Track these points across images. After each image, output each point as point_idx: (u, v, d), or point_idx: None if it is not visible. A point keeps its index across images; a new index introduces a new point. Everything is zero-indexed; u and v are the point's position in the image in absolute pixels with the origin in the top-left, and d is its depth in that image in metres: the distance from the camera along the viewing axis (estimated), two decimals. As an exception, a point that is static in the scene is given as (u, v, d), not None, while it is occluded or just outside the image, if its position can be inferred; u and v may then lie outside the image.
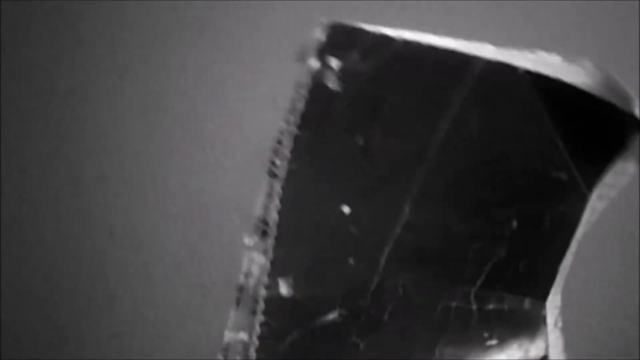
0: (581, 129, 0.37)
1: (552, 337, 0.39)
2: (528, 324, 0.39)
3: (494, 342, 0.38)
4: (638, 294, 0.75)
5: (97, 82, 0.81)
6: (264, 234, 0.36)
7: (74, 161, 0.80)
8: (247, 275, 0.36)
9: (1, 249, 0.78)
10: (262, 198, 0.35)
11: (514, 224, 0.37)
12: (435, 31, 0.37)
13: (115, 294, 0.79)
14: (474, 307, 0.38)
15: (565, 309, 0.41)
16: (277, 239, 0.35)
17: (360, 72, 0.35)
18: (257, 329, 0.35)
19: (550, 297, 0.39)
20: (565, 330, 0.38)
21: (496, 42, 0.38)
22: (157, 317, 0.78)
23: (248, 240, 0.35)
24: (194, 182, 0.79)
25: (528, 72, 0.36)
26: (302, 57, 0.35)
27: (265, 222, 0.35)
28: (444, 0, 0.81)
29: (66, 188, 0.80)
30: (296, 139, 0.35)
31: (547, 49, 0.37)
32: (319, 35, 0.34)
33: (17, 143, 0.81)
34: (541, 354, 0.38)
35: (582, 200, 0.38)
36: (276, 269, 0.35)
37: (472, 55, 0.36)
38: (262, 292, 0.35)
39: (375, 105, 0.36)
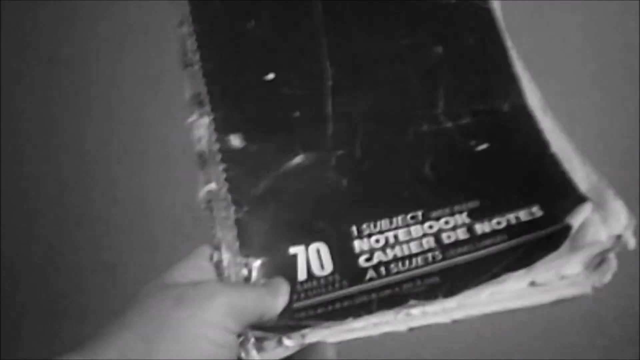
0: None
1: (546, 123, 0.40)
2: (514, 122, 0.40)
3: (483, 146, 0.39)
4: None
5: (97, 49, 0.81)
6: (200, 103, 0.40)
7: (76, 129, 0.80)
8: (200, 139, 0.39)
9: (4, 219, 0.78)
10: (187, 81, 0.41)
11: (439, 48, 0.42)
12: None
13: (119, 261, 0.78)
14: (449, 124, 0.40)
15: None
16: (211, 102, 0.40)
17: None
18: (222, 179, 0.38)
19: (529, 96, 0.41)
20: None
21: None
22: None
23: (190, 117, 0.40)
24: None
25: None
26: None
27: (197, 95, 0.40)
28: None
29: (68, 156, 0.79)
30: (197, 34, 0.41)
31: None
32: None
33: (19, 112, 0.80)
34: (540, 140, 0.39)
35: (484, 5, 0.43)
36: (222, 127, 0.39)
37: None
38: (216, 146, 0.39)
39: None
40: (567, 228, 0.35)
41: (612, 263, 0.35)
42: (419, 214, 0.38)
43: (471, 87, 0.42)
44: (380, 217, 0.38)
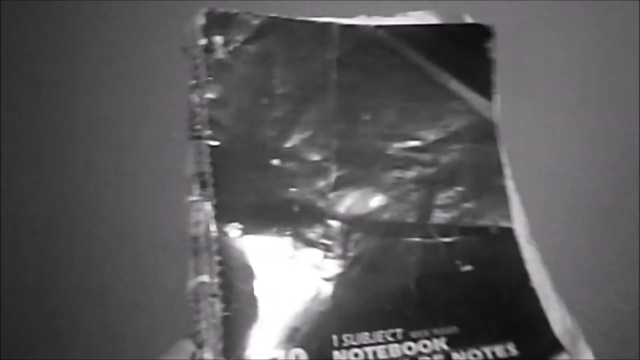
0: (451, 57, 0.43)
1: (528, 252, 0.40)
2: (499, 246, 0.40)
3: (468, 267, 0.40)
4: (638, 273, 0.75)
5: (86, 70, 0.81)
6: (203, 184, 0.38)
7: (64, 150, 0.79)
8: (197, 224, 0.38)
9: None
10: (192, 157, 0.39)
11: (444, 157, 0.42)
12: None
13: (108, 282, 0.78)
14: (438, 239, 0.40)
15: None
16: (215, 187, 0.38)
17: (241, 43, 0.41)
18: (215, 273, 0.37)
19: (516, 221, 0.41)
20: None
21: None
22: (151, 305, 0.77)
23: (191, 196, 0.38)
24: (185, 168, 0.78)
25: (379, 27, 0.43)
26: (189, 40, 0.41)
27: (201, 175, 0.38)
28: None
29: (56, 177, 0.79)
30: (210, 103, 0.39)
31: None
32: (200, 20, 0.40)
33: (7, 133, 0.80)
34: (521, 271, 0.39)
35: (487, 117, 0.43)
36: (223, 215, 0.38)
37: (327, 22, 0.43)
38: (214, 235, 0.37)
39: (266, 65, 0.41)
40: None
41: None
42: (399, 332, 0.38)
43: (463, 203, 0.41)
44: (361, 330, 0.38)
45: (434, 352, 0.37)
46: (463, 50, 0.45)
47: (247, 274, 0.38)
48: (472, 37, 0.45)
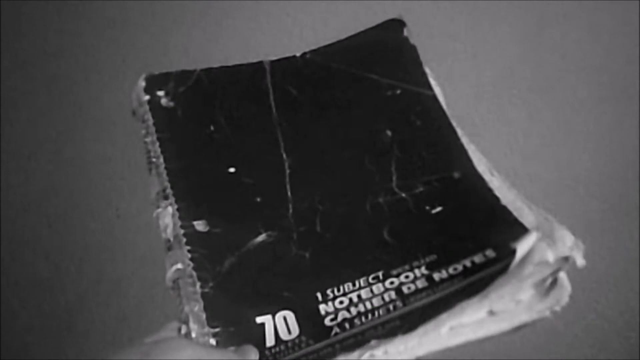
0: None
1: (495, 183, 0.43)
2: (465, 185, 0.43)
3: (438, 208, 0.42)
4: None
5: (100, 65, 0.82)
6: (165, 197, 0.44)
7: (80, 145, 0.81)
8: (165, 228, 0.43)
9: (8, 233, 0.79)
10: (154, 180, 0.46)
11: (388, 132, 0.46)
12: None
13: (122, 276, 0.80)
14: (404, 194, 0.43)
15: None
16: (174, 195, 0.44)
17: (181, 92, 0.49)
18: (187, 259, 0.41)
19: (477, 163, 0.44)
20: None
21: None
22: (165, 297, 0.78)
23: (156, 208, 0.44)
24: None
25: (304, 53, 0.51)
26: (136, 100, 0.49)
27: (163, 190, 0.44)
28: None
29: (72, 171, 0.81)
30: (160, 141, 0.46)
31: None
32: (142, 83, 0.49)
33: (23, 127, 0.82)
34: (490, 198, 0.41)
35: (424, 76, 0.48)
36: (186, 215, 0.43)
37: (258, 61, 0.50)
38: (181, 232, 0.42)
39: (208, 101, 0.49)
40: (513, 253, 0.37)
41: (565, 284, 0.36)
42: (380, 274, 0.40)
43: (421, 162, 0.45)
44: (344, 282, 0.40)
45: (415, 278, 0.39)
46: (383, 46, 0.51)
47: (219, 256, 0.41)
48: (388, 33, 0.51)
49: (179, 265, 0.40)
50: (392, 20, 0.52)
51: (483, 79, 0.78)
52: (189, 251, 0.41)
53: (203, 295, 0.39)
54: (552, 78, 0.77)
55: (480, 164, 0.44)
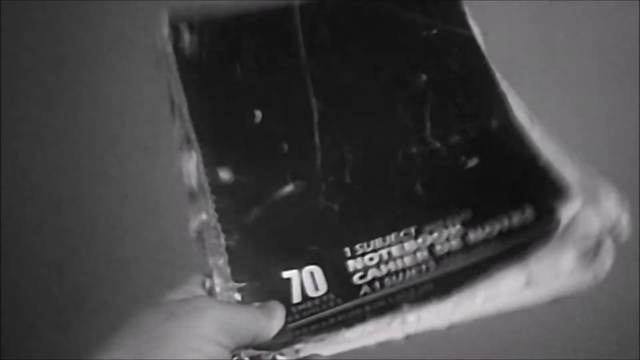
0: None
1: (536, 133, 0.41)
2: (503, 136, 0.41)
3: (474, 161, 0.40)
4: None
5: (108, 47, 0.81)
6: (188, 142, 0.41)
7: (88, 126, 0.80)
8: (189, 175, 0.40)
9: (16, 214, 0.79)
10: (177, 125, 0.42)
11: (423, 77, 0.43)
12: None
13: (131, 257, 0.79)
14: (437, 144, 0.41)
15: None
16: (199, 141, 0.40)
17: (205, 35, 0.44)
18: (212, 209, 0.38)
19: (516, 111, 0.42)
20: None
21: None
22: (174, 278, 0.78)
23: (180, 155, 0.41)
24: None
25: None
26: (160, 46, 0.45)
27: (186, 136, 0.41)
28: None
29: (81, 152, 0.80)
30: (184, 82, 0.43)
31: None
32: (164, 29, 0.45)
33: (32, 110, 0.81)
34: (530, 150, 0.40)
35: (462, 15, 0.45)
36: (210, 162, 0.40)
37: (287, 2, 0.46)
38: (205, 180, 0.39)
39: (236, 46, 0.45)
40: (557, 222, 0.35)
41: (609, 251, 0.35)
42: (412, 230, 0.38)
43: (457, 110, 0.42)
44: (374, 237, 0.38)
45: (449, 237, 0.38)
46: None
47: (245, 207, 0.39)
48: None
49: (203, 216, 0.38)
50: None
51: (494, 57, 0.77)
52: (213, 201, 0.39)
53: (228, 248, 0.37)
54: (564, 57, 0.77)
55: (520, 110, 0.42)
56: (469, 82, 0.43)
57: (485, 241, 0.37)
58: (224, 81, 0.44)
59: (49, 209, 0.80)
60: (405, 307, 0.35)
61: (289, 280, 0.37)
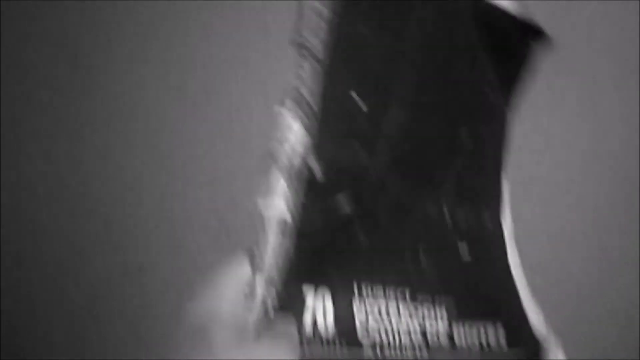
0: (498, 45, 0.40)
1: (514, 258, 0.41)
2: (492, 239, 0.40)
3: (464, 245, 0.39)
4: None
5: (119, 49, 0.81)
6: (299, 103, 0.35)
7: (101, 130, 0.80)
8: (283, 141, 0.35)
9: (30, 219, 0.79)
10: (298, 74, 0.36)
11: (461, 139, 0.40)
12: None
13: (144, 263, 0.79)
14: (445, 209, 0.39)
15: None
16: (310, 107, 0.36)
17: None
18: (293, 200, 0.36)
19: (505, 218, 0.41)
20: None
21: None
22: (188, 285, 0.77)
23: (282, 109, 0.35)
24: (219, 148, 0.78)
25: None
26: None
27: (300, 93, 0.36)
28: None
29: (94, 158, 0.80)
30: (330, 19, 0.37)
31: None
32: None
33: (41, 114, 0.81)
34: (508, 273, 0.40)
35: (504, 117, 0.42)
36: (313, 141, 0.36)
37: None
38: (300, 162, 0.35)
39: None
40: None
41: None
42: (407, 291, 0.38)
43: (470, 187, 0.41)
44: (377, 283, 0.38)
45: (437, 317, 0.38)
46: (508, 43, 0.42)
47: (318, 208, 0.37)
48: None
49: (282, 205, 0.36)
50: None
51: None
52: (300, 193, 0.36)
53: (287, 250, 0.36)
54: (576, 58, 0.77)
55: (508, 223, 0.41)
56: (482, 171, 0.41)
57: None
58: (354, 44, 0.39)
59: (61, 215, 0.80)
60: None
61: (304, 299, 0.37)
